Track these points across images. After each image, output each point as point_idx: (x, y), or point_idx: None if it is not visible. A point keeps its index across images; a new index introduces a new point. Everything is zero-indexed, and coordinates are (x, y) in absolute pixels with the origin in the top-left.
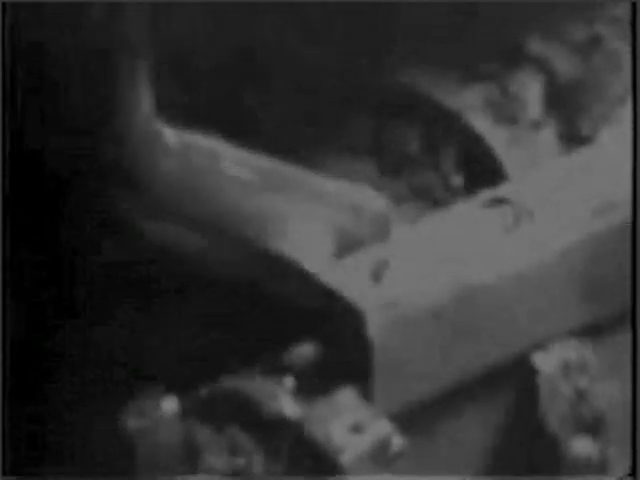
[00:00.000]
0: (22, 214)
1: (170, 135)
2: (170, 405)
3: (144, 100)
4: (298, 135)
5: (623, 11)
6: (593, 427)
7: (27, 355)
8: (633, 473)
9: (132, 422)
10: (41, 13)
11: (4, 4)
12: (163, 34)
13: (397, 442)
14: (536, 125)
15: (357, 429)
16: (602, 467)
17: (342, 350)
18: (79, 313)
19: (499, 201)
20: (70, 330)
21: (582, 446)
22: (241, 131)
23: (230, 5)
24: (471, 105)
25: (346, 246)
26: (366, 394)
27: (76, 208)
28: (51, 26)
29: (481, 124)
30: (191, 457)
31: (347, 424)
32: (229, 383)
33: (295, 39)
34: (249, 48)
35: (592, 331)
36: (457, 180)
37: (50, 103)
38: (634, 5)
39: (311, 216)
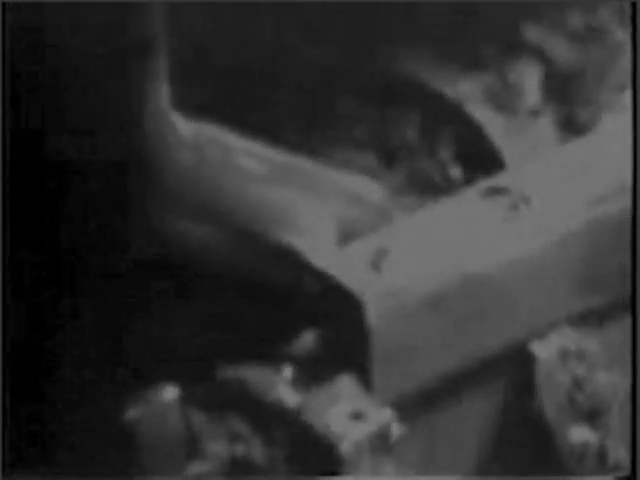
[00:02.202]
0: (22, 214)
1: (185, 127)
2: (170, 393)
3: (160, 93)
4: (300, 127)
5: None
6: (591, 415)
7: (27, 355)
8: (633, 473)
9: (132, 411)
10: (42, 13)
11: (4, 4)
12: (180, 29)
13: (396, 430)
14: (534, 114)
15: (356, 417)
16: (600, 455)
17: (342, 338)
18: (79, 313)
19: (498, 190)
20: (70, 330)
21: (580, 434)
22: (249, 124)
23: (237, 5)
24: (470, 94)
25: (347, 236)
26: (365, 382)
27: (76, 208)
28: (69, 24)
29: (480, 113)
30: (191, 445)
31: (346, 412)
32: (229, 371)
33: (295, 38)
34: (253, 46)
35: (591, 319)
36: (456, 169)
37: (54, 102)
38: (634, 5)
39: (314, 207)
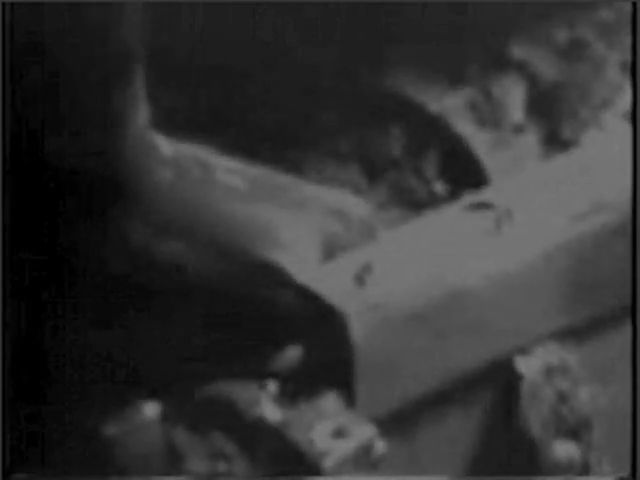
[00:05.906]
0: (22, 214)
1: (164, 145)
2: (151, 410)
3: (139, 108)
4: (283, 142)
5: (606, 14)
6: (575, 431)
7: (27, 355)
8: (633, 473)
9: (112, 427)
10: (41, 13)
11: (4, 4)
12: (159, 38)
13: (380, 446)
14: (518, 129)
15: (340, 434)
16: (584, 470)
17: (326, 354)
18: (79, 313)
19: (482, 205)
20: (70, 330)
21: (564, 449)
22: (229, 136)
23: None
24: (454, 109)
25: (331, 251)
26: (349, 398)
27: (76, 208)
28: (51, 27)
29: (464, 128)
30: (172, 462)
31: (330, 429)
32: (212, 387)
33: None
34: (237, 50)
35: (575, 334)
36: (440, 184)
37: (49, 104)
38: (634, 5)
39: (297, 222)
